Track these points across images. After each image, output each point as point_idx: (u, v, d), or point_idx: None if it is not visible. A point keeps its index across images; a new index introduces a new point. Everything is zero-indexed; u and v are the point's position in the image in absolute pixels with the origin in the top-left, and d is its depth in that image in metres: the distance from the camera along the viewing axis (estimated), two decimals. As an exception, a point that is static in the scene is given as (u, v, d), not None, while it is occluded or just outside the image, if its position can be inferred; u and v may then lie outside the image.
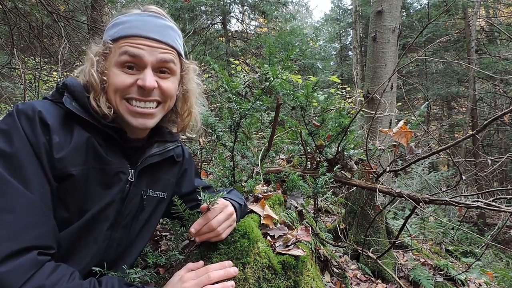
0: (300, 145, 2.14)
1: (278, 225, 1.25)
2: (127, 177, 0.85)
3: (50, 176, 0.71)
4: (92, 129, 0.79)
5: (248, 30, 9.69)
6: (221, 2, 8.58)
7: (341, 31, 18.27)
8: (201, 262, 0.89)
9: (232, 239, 0.96)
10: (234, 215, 0.96)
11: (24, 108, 0.72)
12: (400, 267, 3.07)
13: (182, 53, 0.92)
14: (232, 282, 0.83)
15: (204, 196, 0.88)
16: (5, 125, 0.70)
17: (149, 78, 0.81)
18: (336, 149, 1.92)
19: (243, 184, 1.55)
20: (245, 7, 9.13)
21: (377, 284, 2.84)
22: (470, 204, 1.73)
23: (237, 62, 6.42)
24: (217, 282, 0.81)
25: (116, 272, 0.83)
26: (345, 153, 1.95)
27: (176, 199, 0.88)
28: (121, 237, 0.87)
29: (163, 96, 0.86)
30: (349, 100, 6.30)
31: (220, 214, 0.90)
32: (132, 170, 0.86)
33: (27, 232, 0.65)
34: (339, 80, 4.97)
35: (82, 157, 0.76)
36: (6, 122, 0.71)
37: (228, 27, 9.25)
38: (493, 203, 1.69)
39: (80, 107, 0.78)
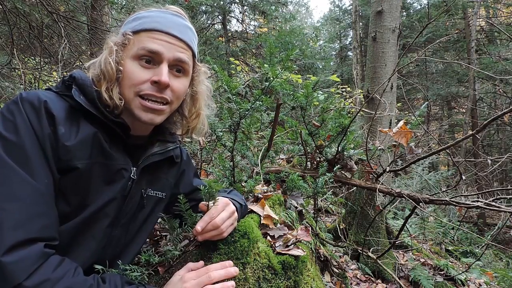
0: (300, 145, 2.14)
1: (278, 225, 1.26)
2: (130, 174, 0.85)
3: (53, 167, 0.71)
4: (98, 124, 0.79)
5: (248, 30, 9.69)
6: (221, 2, 8.58)
7: (341, 31, 18.26)
8: (202, 262, 0.89)
9: (232, 239, 0.96)
10: (236, 214, 0.96)
11: (29, 97, 0.71)
12: (400, 267, 3.07)
13: (197, 54, 0.94)
14: (232, 282, 0.83)
15: (204, 192, 0.87)
16: (10, 114, 0.69)
17: (164, 74, 0.81)
18: (336, 149, 1.92)
19: (243, 184, 1.55)
20: (245, 7, 9.13)
21: (377, 284, 2.84)
22: (470, 204, 1.73)
23: (237, 62, 6.42)
24: (217, 282, 0.81)
25: (115, 270, 0.83)
26: (345, 153, 1.95)
27: (181, 198, 0.87)
28: (120, 235, 0.86)
29: (172, 95, 0.86)
30: (349, 100, 6.30)
31: (223, 212, 0.90)
32: (134, 168, 0.86)
33: (33, 222, 0.64)
34: (339, 80, 4.96)
35: (88, 151, 0.76)
36: (10, 110, 0.70)
37: (228, 27, 9.25)
38: (493, 203, 1.69)
39: (87, 101, 0.77)
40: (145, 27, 0.82)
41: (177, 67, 0.86)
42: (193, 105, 0.97)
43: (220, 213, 0.89)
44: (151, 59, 0.82)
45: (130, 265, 0.87)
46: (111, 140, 0.81)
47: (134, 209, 0.89)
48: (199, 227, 0.85)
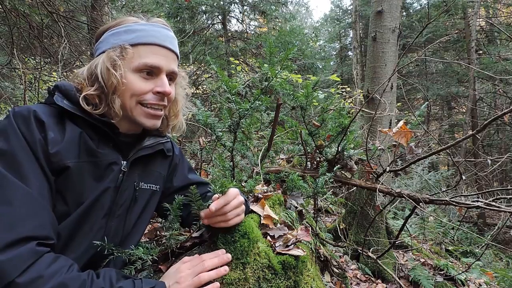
0: (300, 145, 2.14)
1: (278, 225, 1.25)
2: (120, 167, 0.88)
3: (47, 170, 0.75)
4: (83, 125, 0.84)
5: (248, 30, 9.69)
6: (221, 2, 8.59)
7: (341, 31, 18.26)
8: (196, 255, 0.90)
9: (232, 239, 0.96)
10: (244, 206, 0.97)
11: (20, 110, 0.77)
12: (400, 267, 3.07)
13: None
14: (226, 267, 0.86)
15: (215, 187, 0.90)
16: (2, 126, 0.75)
17: (167, 85, 0.90)
18: (336, 149, 1.92)
19: (243, 184, 1.55)
20: (245, 7, 9.13)
21: (377, 284, 2.84)
22: (470, 204, 1.73)
23: (237, 62, 6.42)
24: (211, 270, 0.84)
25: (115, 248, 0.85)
26: (345, 153, 1.95)
27: (192, 188, 0.90)
28: (117, 227, 0.89)
29: (168, 100, 0.94)
30: (349, 100, 6.30)
31: (234, 200, 0.92)
32: (125, 162, 0.90)
33: (25, 223, 0.67)
34: (339, 79, 4.97)
35: (76, 151, 0.80)
36: (3, 124, 0.76)
37: (228, 27, 9.26)
38: (493, 203, 1.69)
39: (71, 104, 0.83)
40: (144, 41, 0.88)
41: (170, 76, 0.94)
42: (172, 106, 1.03)
43: (233, 200, 0.91)
44: (152, 71, 0.89)
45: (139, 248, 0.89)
46: (99, 138, 0.86)
47: (129, 201, 0.92)
48: (213, 207, 0.87)
